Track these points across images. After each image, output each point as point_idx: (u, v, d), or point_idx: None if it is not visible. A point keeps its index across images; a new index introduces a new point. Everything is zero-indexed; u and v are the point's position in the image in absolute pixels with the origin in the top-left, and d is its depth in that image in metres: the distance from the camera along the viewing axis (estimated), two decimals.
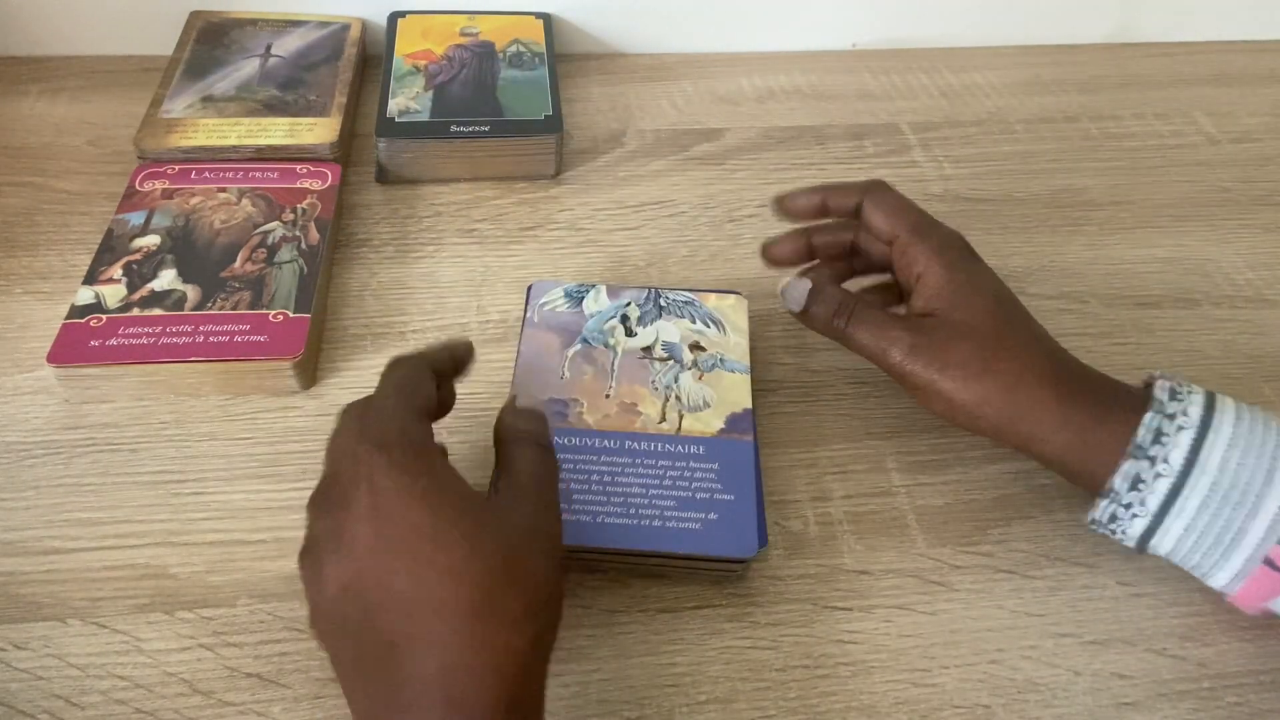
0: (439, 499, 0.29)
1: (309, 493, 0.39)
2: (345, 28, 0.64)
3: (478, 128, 0.56)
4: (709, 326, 0.45)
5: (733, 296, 0.47)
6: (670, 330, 0.45)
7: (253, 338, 0.45)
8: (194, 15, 0.63)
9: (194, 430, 0.44)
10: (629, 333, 0.45)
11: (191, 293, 0.46)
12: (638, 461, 0.40)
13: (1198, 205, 0.60)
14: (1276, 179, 0.63)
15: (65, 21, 0.63)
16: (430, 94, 0.58)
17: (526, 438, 0.35)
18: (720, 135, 0.63)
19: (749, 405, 0.43)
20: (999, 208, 0.59)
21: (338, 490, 0.30)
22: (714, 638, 0.38)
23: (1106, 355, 0.50)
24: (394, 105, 0.57)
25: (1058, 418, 0.37)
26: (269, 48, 0.62)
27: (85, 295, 0.46)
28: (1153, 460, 0.35)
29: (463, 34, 0.63)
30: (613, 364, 0.44)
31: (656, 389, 0.43)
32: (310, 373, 0.46)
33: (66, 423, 0.44)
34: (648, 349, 0.44)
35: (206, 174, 0.53)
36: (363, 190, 0.57)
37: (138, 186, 0.52)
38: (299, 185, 0.53)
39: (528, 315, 0.46)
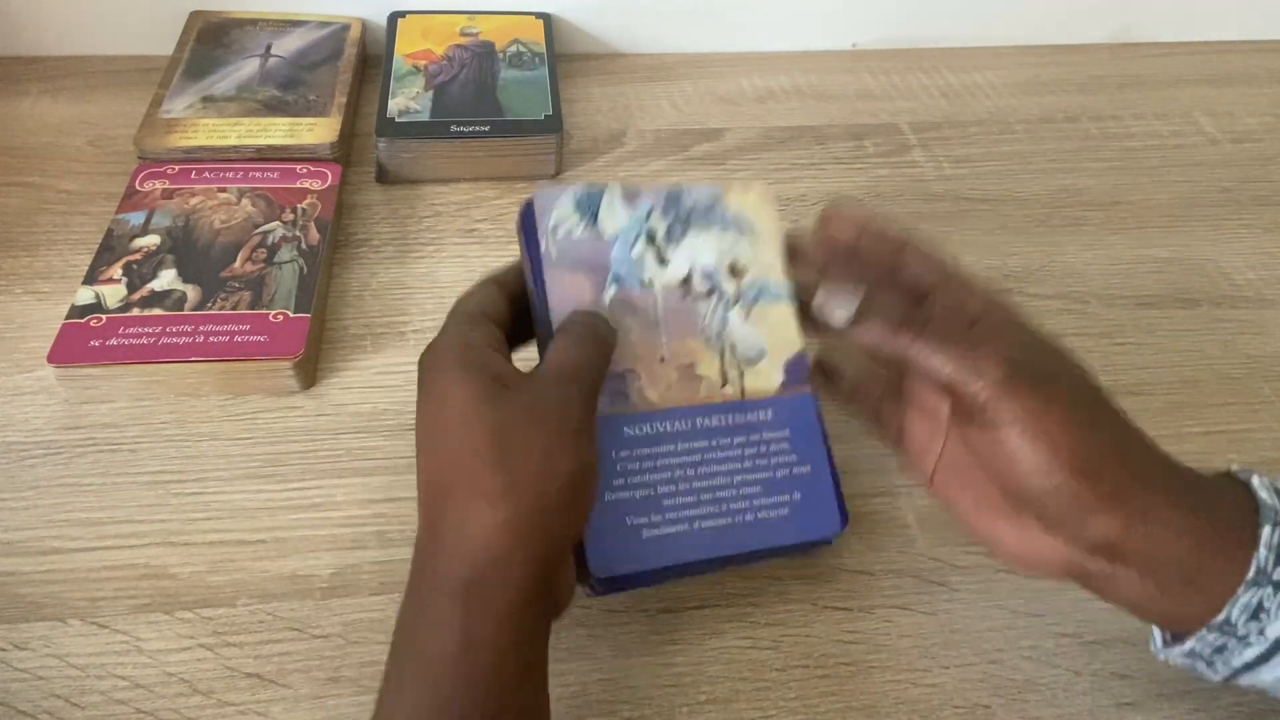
0: (464, 387, 0.32)
1: (309, 492, 0.40)
2: (345, 28, 0.64)
3: (478, 128, 0.56)
4: (741, 235, 0.38)
5: (756, 187, 0.39)
6: (704, 249, 0.38)
7: (253, 338, 0.45)
8: (194, 15, 0.63)
9: (194, 430, 0.44)
10: (661, 259, 0.37)
11: (191, 293, 0.46)
12: (715, 443, 0.36)
13: (1198, 205, 0.60)
14: (1276, 179, 0.63)
15: (65, 21, 0.63)
16: (430, 94, 0.58)
17: (568, 326, 0.35)
18: (720, 135, 0.63)
19: (800, 344, 0.37)
20: (999, 208, 0.59)
21: (421, 371, 0.34)
22: (714, 638, 0.38)
23: (1106, 355, 0.50)
24: (394, 105, 0.57)
25: (1176, 506, 0.29)
26: (269, 48, 0.62)
27: (85, 295, 0.46)
28: (1278, 586, 0.29)
29: (463, 34, 0.63)
30: (657, 310, 0.37)
31: (709, 340, 0.37)
32: (310, 373, 0.46)
33: (66, 423, 0.44)
34: (686, 281, 0.37)
35: (206, 174, 0.53)
36: (363, 190, 0.57)
37: (138, 186, 0.52)
38: (299, 185, 0.53)
39: (542, 248, 0.37)
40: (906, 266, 0.35)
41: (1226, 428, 0.47)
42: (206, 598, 0.38)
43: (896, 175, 0.60)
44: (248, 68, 0.60)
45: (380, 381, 0.47)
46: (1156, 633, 0.33)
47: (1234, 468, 0.32)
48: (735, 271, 0.38)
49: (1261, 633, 0.30)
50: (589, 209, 0.38)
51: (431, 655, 0.29)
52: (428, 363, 0.34)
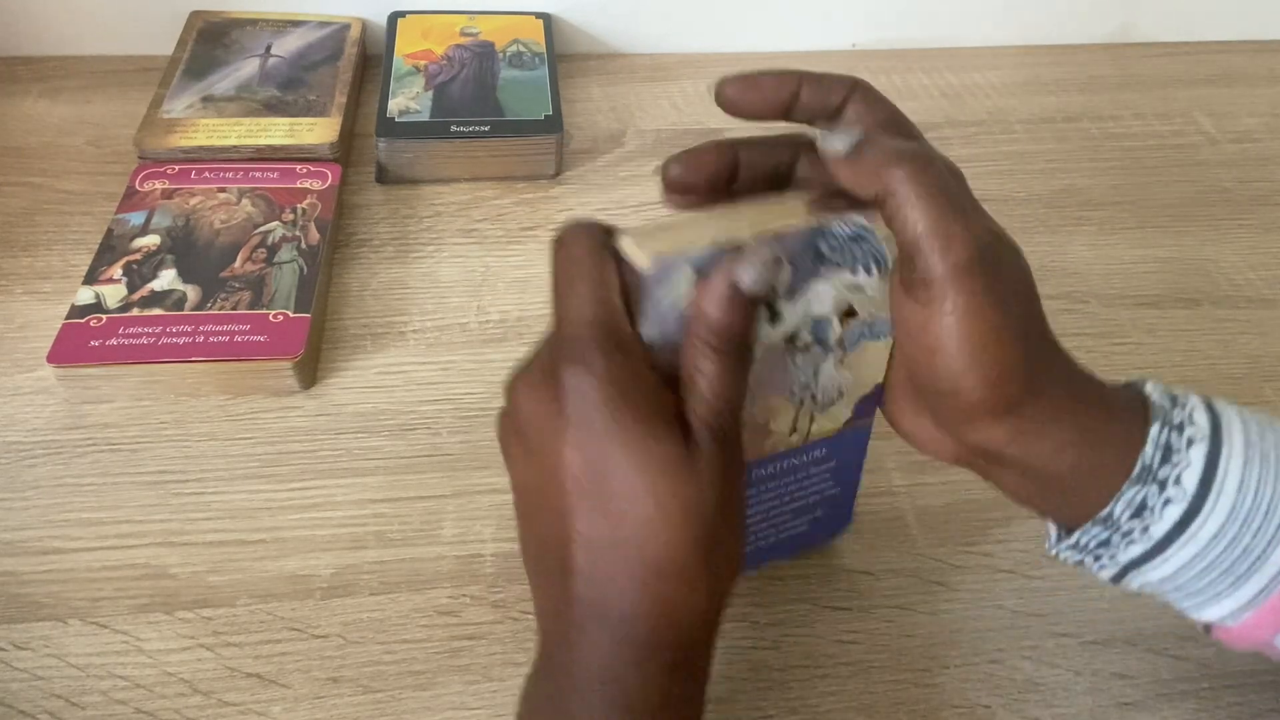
0: (650, 445, 0.26)
1: (309, 492, 0.39)
2: (345, 28, 0.64)
3: (478, 128, 0.56)
4: (873, 272, 0.31)
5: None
6: (824, 298, 0.31)
7: (253, 338, 0.45)
8: (194, 15, 0.63)
9: (194, 430, 0.44)
10: (773, 316, 0.31)
11: (191, 293, 0.46)
12: (763, 489, 0.35)
13: (1198, 205, 0.60)
14: (1276, 179, 0.63)
15: (65, 21, 0.63)
16: (430, 94, 0.58)
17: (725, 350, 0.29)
18: (720, 135, 0.63)
19: (881, 380, 0.34)
20: (999, 208, 0.58)
21: (527, 389, 0.28)
22: None
23: (1106, 355, 0.50)
24: (394, 105, 0.57)
25: (1067, 415, 0.29)
26: (269, 48, 0.62)
27: (85, 295, 0.46)
28: (1163, 484, 0.29)
29: (463, 34, 0.63)
30: (752, 374, 0.30)
31: (792, 394, 0.33)
32: (310, 373, 0.46)
33: (66, 423, 0.44)
34: (793, 338, 0.32)
35: (206, 174, 0.53)
36: (363, 190, 0.57)
37: (138, 186, 0.52)
38: (299, 185, 0.53)
39: (642, 326, 0.28)
40: (854, 113, 0.32)
41: None
42: (206, 598, 0.38)
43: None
44: (248, 68, 0.60)
45: (380, 381, 0.47)
46: (1051, 529, 0.33)
47: (1134, 378, 0.32)
48: (848, 315, 0.32)
49: (1146, 530, 0.30)
50: (706, 267, 0.29)
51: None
52: (585, 394, 0.27)
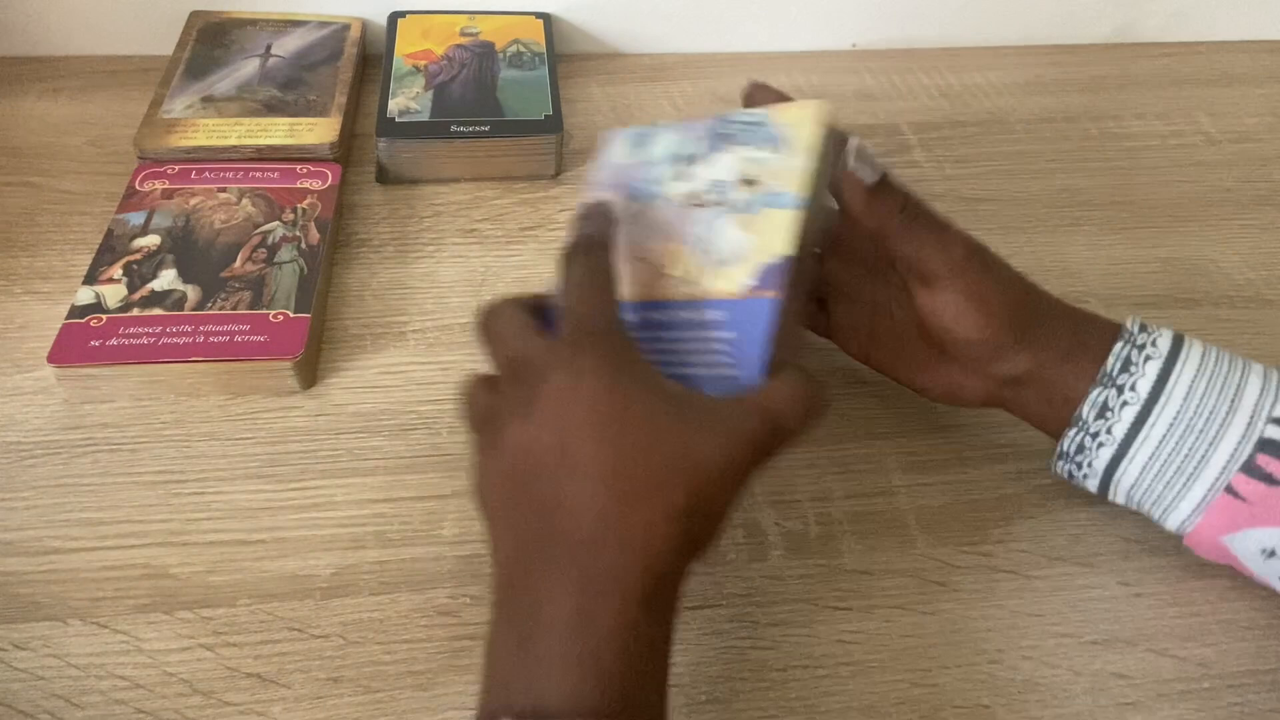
0: (636, 389, 0.31)
1: (309, 492, 0.39)
2: (345, 28, 0.64)
3: (478, 128, 0.56)
4: (770, 152, 0.38)
5: (812, 104, 0.38)
6: (725, 165, 0.38)
7: (253, 338, 0.45)
8: (194, 15, 0.63)
9: (194, 430, 0.44)
10: (682, 176, 0.39)
11: (191, 293, 0.46)
12: (658, 336, 0.37)
13: (1198, 205, 0.60)
14: (1276, 179, 0.63)
15: (65, 21, 0.63)
16: (430, 94, 0.58)
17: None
18: None
19: (789, 251, 0.35)
20: (999, 208, 0.59)
21: (532, 369, 0.32)
22: (714, 638, 0.38)
23: None
24: (394, 105, 0.57)
25: (1067, 340, 0.38)
26: (269, 48, 0.62)
27: (85, 295, 0.46)
28: (1120, 389, 0.36)
29: (463, 34, 0.63)
30: (655, 218, 0.38)
31: (687, 245, 0.37)
32: (310, 373, 0.46)
33: (66, 423, 0.44)
34: (694, 195, 0.38)
35: (206, 174, 0.53)
36: (363, 190, 0.57)
37: (138, 186, 0.52)
38: (299, 185, 0.53)
39: (593, 175, 0.42)
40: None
41: None
42: (206, 598, 0.38)
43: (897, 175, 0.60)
44: (248, 68, 0.60)
45: (380, 381, 0.47)
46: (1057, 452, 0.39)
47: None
48: (749, 183, 0.37)
49: (1109, 431, 0.37)
50: (641, 141, 0.41)
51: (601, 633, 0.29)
52: (588, 350, 0.32)
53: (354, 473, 0.43)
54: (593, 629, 0.28)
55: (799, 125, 0.38)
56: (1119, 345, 0.37)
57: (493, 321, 0.35)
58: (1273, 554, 0.36)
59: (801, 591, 0.40)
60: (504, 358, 0.34)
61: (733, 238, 0.36)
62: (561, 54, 0.67)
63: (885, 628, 0.39)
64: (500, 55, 0.62)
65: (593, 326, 0.32)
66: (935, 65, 0.71)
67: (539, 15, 0.66)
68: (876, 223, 0.38)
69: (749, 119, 0.39)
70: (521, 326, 0.34)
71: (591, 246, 0.35)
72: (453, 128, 0.56)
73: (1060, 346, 0.38)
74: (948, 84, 0.69)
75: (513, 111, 0.58)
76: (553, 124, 0.57)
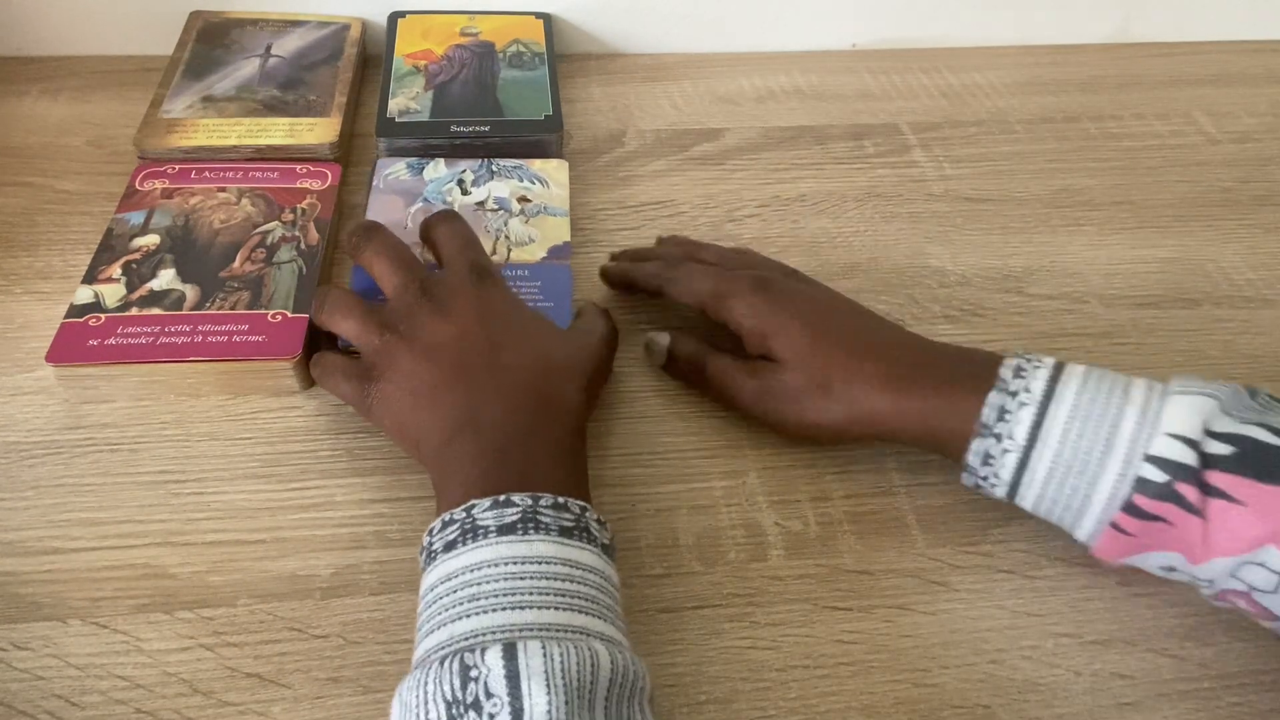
0: (522, 305, 0.44)
1: (309, 492, 0.39)
2: (345, 28, 0.64)
3: (478, 128, 0.56)
4: (535, 184, 0.54)
5: (555, 161, 0.55)
6: (501, 188, 0.53)
7: (251, 338, 0.45)
8: (194, 15, 0.63)
9: (194, 430, 0.44)
10: (465, 192, 0.53)
11: (190, 292, 0.46)
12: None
13: (1198, 205, 0.60)
14: (1276, 179, 0.63)
15: (65, 21, 0.63)
16: (430, 94, 0.58)
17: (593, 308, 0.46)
18: (720, 135, 0.63)
19: (568, 239, 0.51)
20: (999, 208, 0.59)
21: (445, 288, 0.42)
22: (714, 638, 0.38)
23: (1106, 355, 0.50)
24: (394, 105, 0.57)
25: (901, 414, 0.39)
26: (269, 48, 0.62)
27: (84, 294, 0.46)
28: (999, 437, 0.37)
29: (463, 34, 0.63)
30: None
31: (489, 232, 0.51)
32: (310, 373, 0.46)
33: (66, 423, 0.44)
34: (481, 203, 0.52)
35: (206, 174, 0.53)
36: (363, 190, 0.57)
37: (137, 186, 0.52)
38: (299, 185, 0.53)
39: (374, 183, 0.53)
40: (676, 301, 0.46)
41: None
42: (206, 598, 0.38)
43: (896, 175, 0.60)
44: (248, 68, 0.60)
45: None
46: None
47: (1017, 352, 0.39)
48: (523, 200, 0.53)
49: (997, 475, 0.38)
50: (417, 167, 0.54)
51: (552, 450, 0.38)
52: (492, 275, 0.43)
53: (354, 473, 0.43)
54: (552, 442, 0.37)
55: (555, 173, 0.54)
56: (993, 394, 0.37)
57: (340, 295, 0.44)
58: (1172, 569, 0.37)
59: (801, 591, 0.40)
60: (393, 288, 0.42)
61: (522, 231, 0.51)
62: (561, 54, 0.67)
63: (885, 628, 0.39)
64: (500, 55, 0.62)
65: (479, 261, 0.43)
66: (935, 65, 0.71)
67: (539, 15, 0.66)
68: (683, 380, 0.47)
69: (510, 164, 0.55)
70: (401, 272, 0.43)
71: (450, 215, 0.46)
72: (453, 128, 0.56)
73: (928, 404, 0.39)
74: (948, 84, 0.69)
75: (513, 111, 0.58)
76: (553, 124, 0.57)
